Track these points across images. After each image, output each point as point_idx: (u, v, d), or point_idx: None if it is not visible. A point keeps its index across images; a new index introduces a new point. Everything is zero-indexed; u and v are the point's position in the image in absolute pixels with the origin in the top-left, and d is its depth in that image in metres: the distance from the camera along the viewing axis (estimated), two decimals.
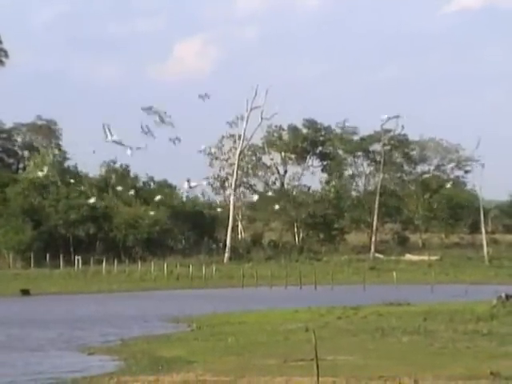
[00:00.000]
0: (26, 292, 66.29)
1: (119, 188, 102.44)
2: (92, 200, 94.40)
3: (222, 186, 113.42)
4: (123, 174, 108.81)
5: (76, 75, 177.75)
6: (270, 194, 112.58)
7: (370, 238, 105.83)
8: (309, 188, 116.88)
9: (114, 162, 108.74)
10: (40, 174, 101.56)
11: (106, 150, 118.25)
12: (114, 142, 58.63)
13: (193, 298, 62.60)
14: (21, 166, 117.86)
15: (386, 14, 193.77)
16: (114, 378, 23.80)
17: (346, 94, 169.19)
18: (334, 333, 32.92)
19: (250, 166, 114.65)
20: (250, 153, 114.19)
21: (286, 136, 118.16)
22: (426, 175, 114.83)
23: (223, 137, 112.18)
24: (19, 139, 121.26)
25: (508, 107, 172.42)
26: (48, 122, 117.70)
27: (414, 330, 32.63)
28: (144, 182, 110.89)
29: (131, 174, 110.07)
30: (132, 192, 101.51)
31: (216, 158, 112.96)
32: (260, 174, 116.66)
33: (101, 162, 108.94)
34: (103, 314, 48.05)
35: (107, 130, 58.17)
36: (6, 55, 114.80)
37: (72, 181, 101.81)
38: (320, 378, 20.92)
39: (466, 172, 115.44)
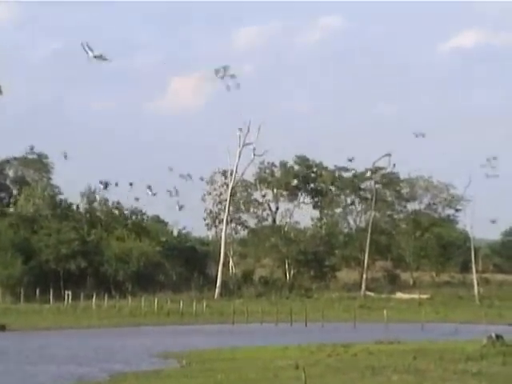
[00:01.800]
0: (1, 327, 65.48)
1: (110, 222, 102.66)
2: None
3: (214, 222, 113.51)
4: (111, 208, 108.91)
5: (70, 109, 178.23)
6: (261, 230, 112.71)
7: (361, 276, 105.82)
8: (299, 224, 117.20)
9: (93, 192, 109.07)
10: (30, 207, 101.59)
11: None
12: (96, 57, 57.57)
13: (183, 333, 62.40)
14: (12, 200, 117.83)
15: (381, 53, 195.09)
16: None
17: (338, 130, 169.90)
18: (323, 370, 32.85)
19: (241, 201, 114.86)
20: (241, 189, 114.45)
21: (277, 173, 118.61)
22: (417, 213, 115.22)
23: (215, 172, 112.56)
24: (11, 173, 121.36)
25: (500, 146, 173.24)
26: (39, 155, 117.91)
27: (404, 369, 32.59)
28: (133, 213, 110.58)
29: (119, 207, 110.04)
30: (122, 226, 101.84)
31: (209, 194, 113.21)
32: (252, 210, 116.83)
33: (82, 192, 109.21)
34: (92, 349, 47.84)
35: (86, 48, 57.20)
36: (0, 91, 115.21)
37: (63, 215, 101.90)
38: None
39: (457, 211, 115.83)
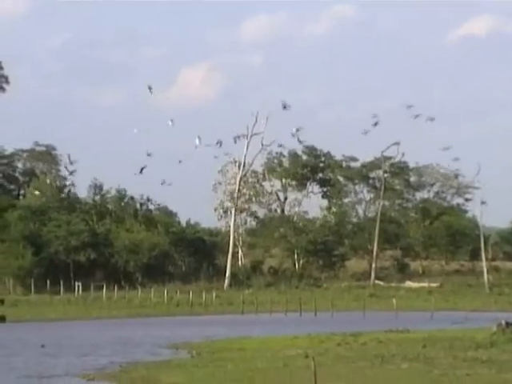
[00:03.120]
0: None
1: (119, 214, 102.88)
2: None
3: (225, 212, 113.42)
4: (120, 198, 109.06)
5: (79, 102, 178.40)
6: (270, 220, 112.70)
7: (370, 265, 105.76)
8: (308, 214, 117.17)
9: (98, 185, 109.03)
10: (39, 199, 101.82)
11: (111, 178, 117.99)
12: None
13: (193, 324, 62.53)
14: (21, 192, 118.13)
15: (389, 42, 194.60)
16: None
17: (347, 121, 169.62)
18: (333, 359, 32.90)
19: (251, 192, 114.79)
20: (251, 179, 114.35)
21: (286, 162, 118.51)
22: (426, 202, 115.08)
23: (227, 162, 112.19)
24: (20, 165, 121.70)
25: (509, 133, 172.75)
26: (47, 147, 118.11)
27: (414, 357, 32.62)
28: (141, 204, 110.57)
29: (128, 198, 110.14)
30: (132, 217, 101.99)
31: (219, 184, 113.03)
32: (261, 200, 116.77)
33: (90, 185, 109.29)
34: (103, 339, 48.00)
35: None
36: (7, 81, 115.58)
37: (72, 206, 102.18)
38: None
39: (467, 200, 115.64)
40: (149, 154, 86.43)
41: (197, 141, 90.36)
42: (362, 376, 27.92)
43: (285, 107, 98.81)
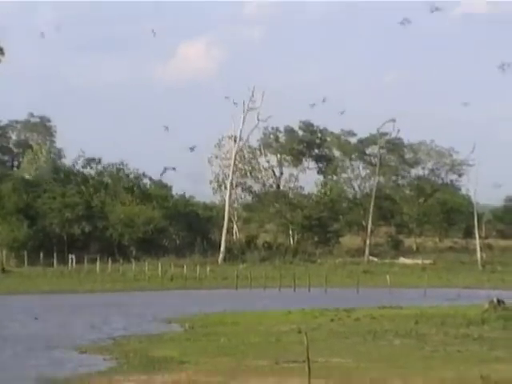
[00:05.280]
0: None
1: (115, 186, 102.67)
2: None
3: (220, 187, 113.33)
4: (116, 170, 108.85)
5: (76, 75, 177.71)
6: (265, 195, 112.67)
7: (365, 241, 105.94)
8: (303, 190, 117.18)
9: (93, 160, 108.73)
10: (33, 171, 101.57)
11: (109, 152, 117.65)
12: None
13: (186, 298, 62.65)
14: (15, 163, 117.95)
15: (389, 19, 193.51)
16: (105, 377, 23.85)
17: (343, 97, 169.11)
18: (326, 335, 33.03)
19: (246, 167, 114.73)
20: (246, 154, 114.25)
21: (282, 138, 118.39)
22: (420, 179, 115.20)
23: (223, 137, 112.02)
24: (14, 136, 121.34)
25: (504, 111, 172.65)
26: (41, 118, 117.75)
27: (406, 334, 32.77)
28: (136, 177, 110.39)
29: (124, 171, 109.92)
30: (127, 191, 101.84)
31: (216, 157, 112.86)
32: (257, 175, 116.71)
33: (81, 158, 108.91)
34: (96, 312, 48.07)
35: None
36: (2, 53, 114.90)
37: (66, 179, 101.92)
38: (311, 380, 20.99)
39: (460, 176, 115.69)
40: (166, 127, 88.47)
41: None
42: (354, 351, 28.05)
43: (324, 100, 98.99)
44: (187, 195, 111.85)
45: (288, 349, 28.63)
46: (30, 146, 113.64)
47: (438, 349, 28.36)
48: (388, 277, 69.99)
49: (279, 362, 25.88)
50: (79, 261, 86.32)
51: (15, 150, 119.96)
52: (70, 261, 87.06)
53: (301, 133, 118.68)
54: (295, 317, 41.43)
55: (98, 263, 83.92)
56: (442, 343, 29.75)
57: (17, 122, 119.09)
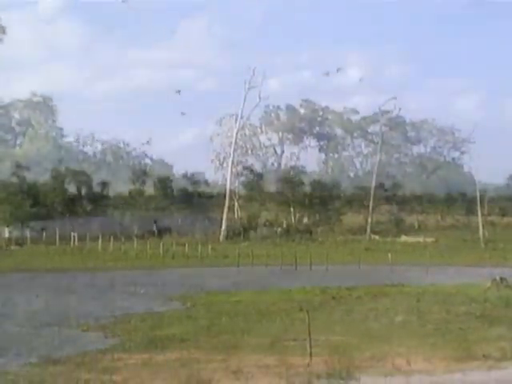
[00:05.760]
0: None
1: (116, 165, 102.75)
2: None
3: (221, 164, 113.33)
4: (117, 149, 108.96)
5: (76, 52, 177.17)
6: (267, 173, 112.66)
7: (366, 220, 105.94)
8: (305, 168, 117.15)
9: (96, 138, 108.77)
10: (35, 149, 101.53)
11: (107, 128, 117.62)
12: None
13: (188, 276, 62.68)
14: (18, 141, 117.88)
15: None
16: (107, 355, 23.86)
17: (345, 76, 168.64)
18: (327, 313, 33.01)
19: (248, 145, 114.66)
20: (248, 132, 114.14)
21: (283, 116, 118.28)
22: (422, 157, 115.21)
23: (225, 114, 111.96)
24: (16, 115, 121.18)
25: (507, 90, 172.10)
26: (44, 98, 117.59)
27: (408, 311, 32.74)
28: (137, 156, 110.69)
29: (125, 150, 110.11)
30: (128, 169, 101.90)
31: (217, 135, 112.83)
32: (258, 153, 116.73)
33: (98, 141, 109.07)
34: (97, 290, 48.10)
35: None
36: (4, 31, 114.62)
37: (68, 157, 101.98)
38: (313, 358, 20.98)
39: (462, 153, 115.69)
40: (178, 91, 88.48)
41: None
42: (355, 329, 28.02)
43: (337, 70, 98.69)
44: (188, 174, 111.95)
45: (289, 327, 28.61)
46: (32, 125, 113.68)
47: (440, 327, 28.33)
48: (390, 255, 69.96)
49: (280, 340, 25.86)
50: (81, 239, 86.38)
51: (17, 129, 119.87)
52: (72, 239, 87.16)
53: (302, 111, 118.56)
54: (296, 295, 41.42)
55: (99, 242, 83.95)
56: (444, 321, 29.72)
57: (19, 100, 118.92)
